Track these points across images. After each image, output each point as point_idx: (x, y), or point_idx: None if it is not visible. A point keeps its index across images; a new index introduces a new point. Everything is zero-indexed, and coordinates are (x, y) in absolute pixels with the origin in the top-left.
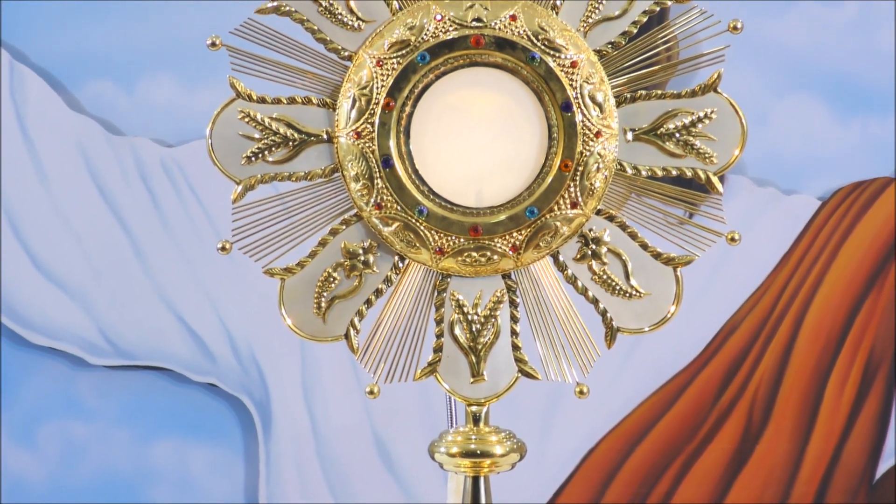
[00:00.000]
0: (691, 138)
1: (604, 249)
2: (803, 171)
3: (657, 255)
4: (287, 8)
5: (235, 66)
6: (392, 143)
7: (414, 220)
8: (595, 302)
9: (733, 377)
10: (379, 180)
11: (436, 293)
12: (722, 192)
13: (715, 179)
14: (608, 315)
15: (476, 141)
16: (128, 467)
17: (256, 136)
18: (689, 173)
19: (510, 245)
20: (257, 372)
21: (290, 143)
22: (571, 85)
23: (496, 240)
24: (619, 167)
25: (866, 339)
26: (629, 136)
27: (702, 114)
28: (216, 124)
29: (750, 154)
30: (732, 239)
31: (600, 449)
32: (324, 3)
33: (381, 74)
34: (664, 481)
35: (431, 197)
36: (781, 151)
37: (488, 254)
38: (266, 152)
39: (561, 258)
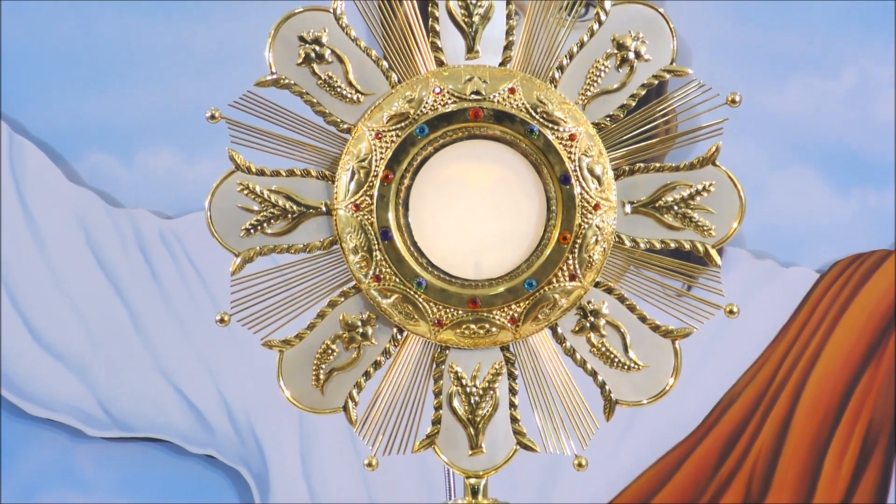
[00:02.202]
0: (690, 211)
1: (602, 322)
2: (802, 244)
3: (656, 328)
4: (286, 81)
5: (235, 139)
6: (391, 216)
7: (412, 293)
8: (594, 374)
9: (732, 449)
10: (378, 252)
11: (434, 365)
12: (720, 264)
13: (713, 252)
14: (607, 387)
15: (475, 213)
16: None
17: (255, 208)
18: (687, 246)
19: (509, 317)
20: (255, 444)
21: (289, 216)
22: (570, 158)
23: (495, 312)
24: (617, 240)
25: (865, 412)
26: (628, 208)
27: (700, 186)
28: (215, 196)
29: (748, 226)
30: (731, 311)
31: None
32: (323, 76)
33: (380, 147)
34: None
35: (430, 269)
36: (780, 223)
37: (487, 326)
38: (265, 224)
39: (559, 330)
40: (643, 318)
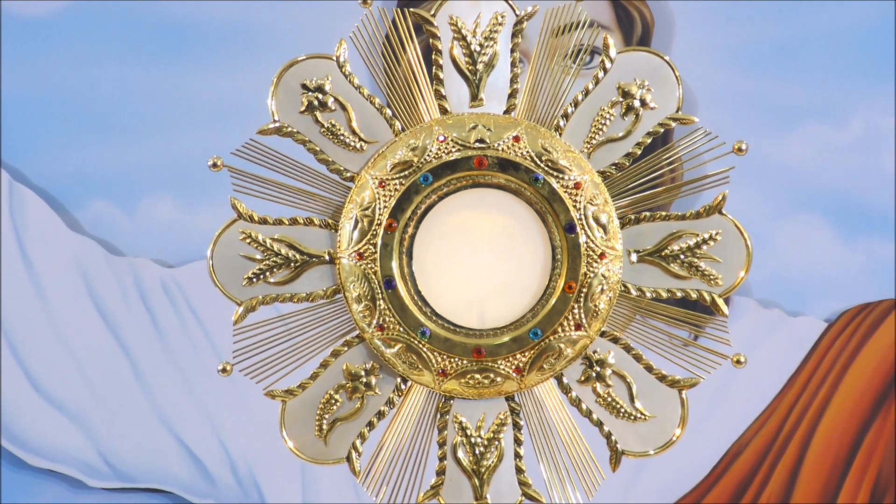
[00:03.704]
0: (696, 260)
1: (608, 371)
2: (809, 293)
3: (662, 378)
4: (289, 128)
5: (237, 187)
6: (394, 265)
7: (416, 342)
8: (599, 424)
9: (739, 500)
10: (381, 301)
11: (438, 415)
12: (727, 313)
13: (720, 301)
14: (613, 438)
15: (479, 262)
16: None
17: (258, 256)
18: (693, 295)
19: (513, 367)
20: (258, 495)
21: (292, 264)
22: (575, 206)
23: (499, 361)
24: (623, 289)
25: (873, 463)
26: (633, 257)
27: (706, 235)
28: (217, 245)
29: (755, 275)
30: (738, 361)
31: None
32: (326, 124)
33: (384, 195)
34: None
35: (434, 318)
36: (787, 273)
37: (491, 376)
38: (267, 273)
39: (565, 380)
40: (649, 368)
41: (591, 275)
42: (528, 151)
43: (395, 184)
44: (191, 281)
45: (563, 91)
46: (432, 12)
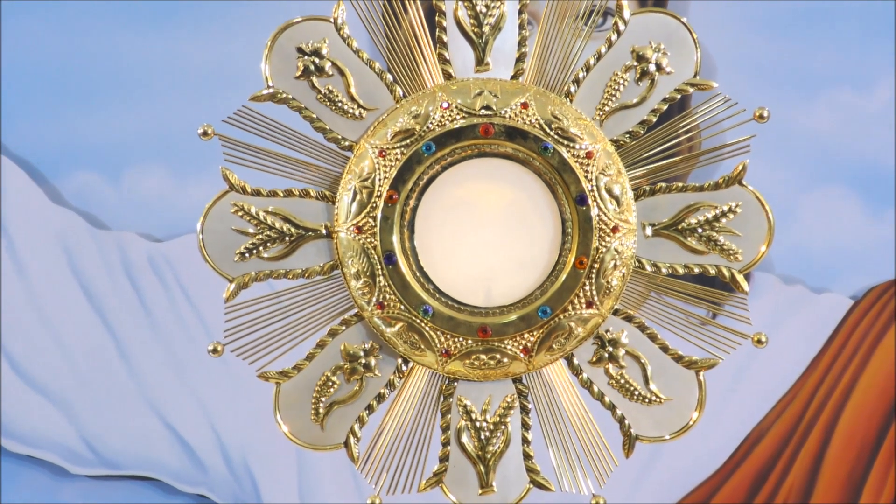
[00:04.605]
0: (714, 234)
1: (621, 352)
2: (834, 269)
3: (678, 358)
4: (284, 95)
5: (228, 157)
6: (395, 239)
7: (418, 321)
8: (612, 408)
9: (760, 488)
10: (381, 278)
11: (442, 398)
12: (747, 290)
13: (740, 277)
14: (626, 422)
15: (485, 236)
16: None
17: (251, 230)
18: (712, 271)
19: (521, 347)
20: (251, 483)
21: (287, 239)
22: (586, 177)
23: (506, 341)
24: (637, 264)
25: None
26: (648, 231)
27: (726, 208)
28: (208, 218)
29: (777, 250)
30: (759, 341)
31: None
32: (323, 90)
33: (384, 165)
34: None
35: (437, 296)
36: (811, 247)
37: (498, 356)
38: (261, 248)
39: (575, 361)
40: (665, 348)
41: (604, 249)
42: (536, 119)
43: (396, 153)
44: (180, 256)
45: (574, 55)
46: None
